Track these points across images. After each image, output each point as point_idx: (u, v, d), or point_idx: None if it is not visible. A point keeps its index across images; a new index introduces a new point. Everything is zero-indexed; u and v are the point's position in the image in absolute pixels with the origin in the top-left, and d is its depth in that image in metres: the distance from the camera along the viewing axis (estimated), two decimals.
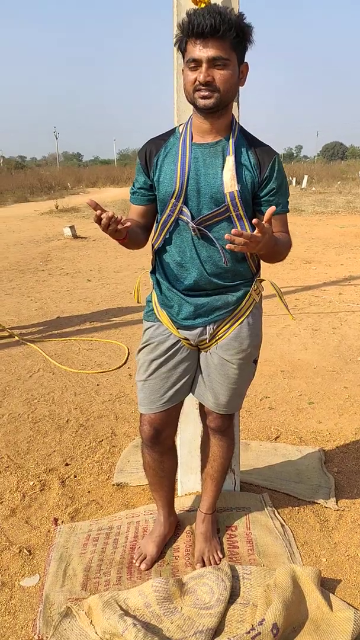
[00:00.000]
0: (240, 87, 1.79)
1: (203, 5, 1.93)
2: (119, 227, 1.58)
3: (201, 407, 2.08)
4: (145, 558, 2.09)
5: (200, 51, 1.58)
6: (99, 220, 1.55)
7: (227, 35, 1.56)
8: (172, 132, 1.83)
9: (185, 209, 1.73)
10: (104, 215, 1.54)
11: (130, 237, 1.75)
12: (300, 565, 2.04)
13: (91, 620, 1.79)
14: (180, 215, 1.75)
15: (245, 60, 1.69)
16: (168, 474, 2.13)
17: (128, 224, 1.59)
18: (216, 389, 1.93)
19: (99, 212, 1.54)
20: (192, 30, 1.57)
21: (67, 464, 2.88)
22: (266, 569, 1.97)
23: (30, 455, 2.97)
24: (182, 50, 1.66)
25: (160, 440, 2.01)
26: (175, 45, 1.70)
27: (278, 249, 1.72)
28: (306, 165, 46.86)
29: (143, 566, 2.07)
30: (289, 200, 1.84)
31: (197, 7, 1.96)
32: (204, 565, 2.05)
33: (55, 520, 2.41)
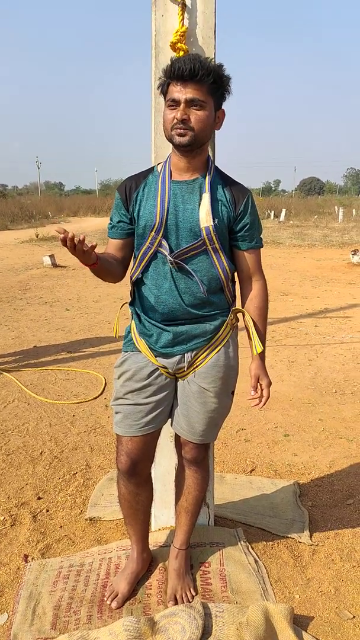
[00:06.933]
0: (215, 131, 1.89)
1: (182, 53, 2.03)
2: (85, 248, 1.59)
3: (177, 439, 2.08)
4: (117, 596, 2.05)
5: (179, 92, 1.68)
6: (64, 242, 1.55)
7: (205, 80, 1.68)
8: (151, 170, 1.91)
9: (164, 242, 1.79)
10: (69, 237, 1.54)
11: (103, 265, 1.78)
12: (273, 602, 2.02)
13: None
14: (159, 248, 1.81)
15: (223, 107, 1.80)
16: (143, 507, 2.10)
17: (94, 242, 1.62)
18: (192, 417, 1.94)
19: (62, 235, 1.54)
20: (173, 73, 1.68)
21: (39, 498, 2.83)
22: (239, 607, 1.95)
23: (1, 488, 2.91)
24: (164, 92, 1.76)
25: (137, 472, 2.00)
26: (158, 88, 1.80)
27: (266, 327, 1.99)
28: (284, 199, 47.92)
29: (114, 604, 2.03)
30: (262, 237, 1.94)
31: (175, 54, 2.06)
32: (176, 603, 2.01)
33: (26, 556, 2.35)
